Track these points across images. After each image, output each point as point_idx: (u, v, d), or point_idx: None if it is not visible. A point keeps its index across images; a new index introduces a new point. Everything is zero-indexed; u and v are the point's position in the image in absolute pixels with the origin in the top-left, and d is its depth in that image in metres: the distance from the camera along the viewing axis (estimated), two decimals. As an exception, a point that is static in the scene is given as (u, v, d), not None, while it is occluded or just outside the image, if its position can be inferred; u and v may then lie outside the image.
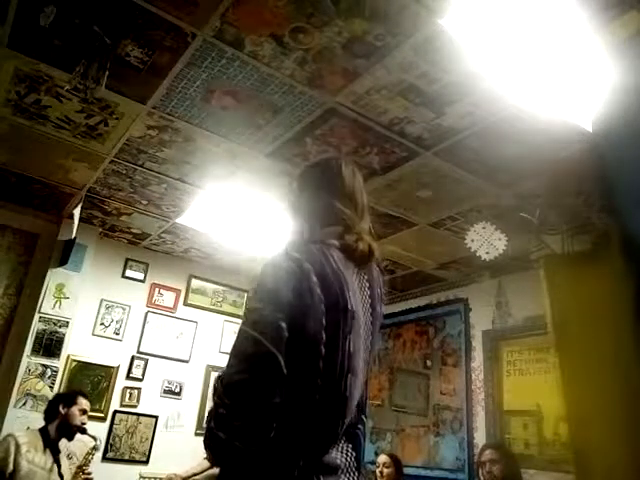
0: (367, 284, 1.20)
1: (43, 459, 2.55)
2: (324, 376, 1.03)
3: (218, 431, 0.97)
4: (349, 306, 1.08)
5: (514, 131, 2.30)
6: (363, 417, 1.24)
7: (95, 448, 2.78)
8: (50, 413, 2.70)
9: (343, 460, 1.09)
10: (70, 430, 2.67)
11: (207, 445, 1.00)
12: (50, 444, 2.62)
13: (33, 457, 2.52)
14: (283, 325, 0.99)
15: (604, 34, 1.69)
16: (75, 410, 2.69)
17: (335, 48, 1.95)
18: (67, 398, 2.76)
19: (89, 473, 2.69)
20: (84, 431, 2.71)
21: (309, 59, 2.02)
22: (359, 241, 1.18)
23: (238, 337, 1.03)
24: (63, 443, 2.69)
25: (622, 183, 1.47)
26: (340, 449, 1.10)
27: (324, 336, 1.03)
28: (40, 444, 2.59)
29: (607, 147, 1.54)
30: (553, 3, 1.69)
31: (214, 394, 1.02)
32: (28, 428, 2.96)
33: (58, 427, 2.66)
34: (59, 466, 2.61)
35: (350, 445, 1.13)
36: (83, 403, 2.74)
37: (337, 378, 1.05)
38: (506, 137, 2.36)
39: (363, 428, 1.22)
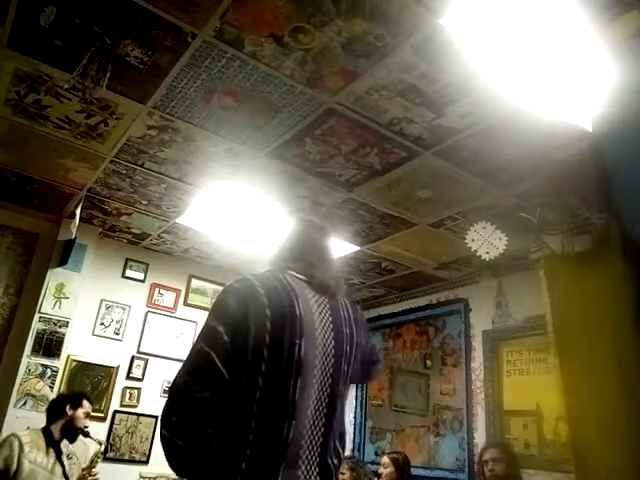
0: (327, 304, 1.26)
1: (45, 459, 2.55)
2: (267, 377, 1.09)
3: (162, 429, 1.06)
4: (297, 312, 1.15)
5: (514, 131, 2.30)
6: (339, 449, 1.20)
7: (102, 452, 2.81)
8: (54, 413, 2.69)
9: None
10: (74, 432, 2.67)
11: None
12: (53, 444, 2.61)
13: (35, 457, 2.51)
14: (220, 329, 1.11)
15: (604, 34, 1.69)
16: (80, 412, 2.69)
17: (335, 48, 1.95)
18: (73, 399, 2.75)
19: (95, 474, 2.71)
20: (87, 434, 2.72)
21: (309, 59, 2.02)
22: (323, 273, 1.31)
23: (191, 348, 1.15)
24: (64, 444, 2.69)
25: (622, 183, 1.47)
26: (306, 473, 1.08)
27: (267, 340, 1.10)
28: (42, 444, 2.58)
29: (607, 147, 1.54)
30: (553, 3, 1.69)
31: None
32: (28, 428, 2.96)
33: (62, 428, 2.65)
34: (63, 466, 2.61)
35: (320, 476, 1.11)
36: (87, 406, 2.75)
37: (282, 380, 1.10)
38: (506, 137, 2.36)
39: (338, 464, 1.18)
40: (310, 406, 1.12)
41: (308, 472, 1.09)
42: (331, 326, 1.22)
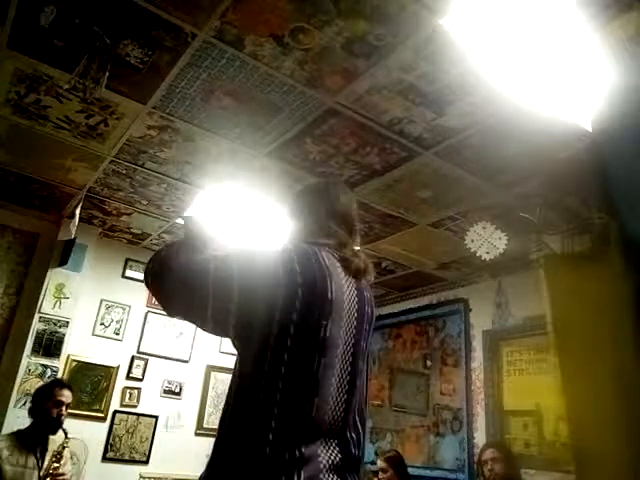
0: (355, 284, 1.27)
1: (28, 459, 2.50)
2: (292, 353, 1.10)
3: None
4: (329, 295, 1.16)
5: (514, 131, 2.30)
6: (359, 425, 1.22)
7: (64, 445, 2.61)
8: (31, 410, 2.66)
9: (327, 458, 1.10)
10: (48, 424, 2.59)
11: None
12: (33, 442, 2.57)
13: (17, 459, 2.47)
14: (235, 293, 1.12)
15: (604, 34, 1.69)
16: (51, 403, 2.61)
17: (335, 48, 1.95)
18: (43, 392, 2.69)
19: (62, 474, 2.55)
20: (59, 424, 2.60)
21: (309, 59, 2.02)
22: (355, 257, 1.29)
23: (203, 259, 1.20)
24: (56, 440, 2.64)
25: (622, 183, 1.47)
26: (326, 446, 1.12)
27: (295, 317, 1.10)
28: (22, 444, 2.54)
29: (607, 147, 1.54)
30: (553, 3, 1.69)
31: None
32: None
33: (38, 423, 2.60)
34: (42, 463, 2.54)
35: (339, 447, 1.14)
36: (60, 394, 2.64)
37: (307, 358, 1.11)
38: (506, 137, 2.36)
39: (357, 437, 1.20)
40: (333, 384, 1.14)
41: (328, 445, 1.12)
42: (356, 306, 1.24)
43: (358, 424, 1.22)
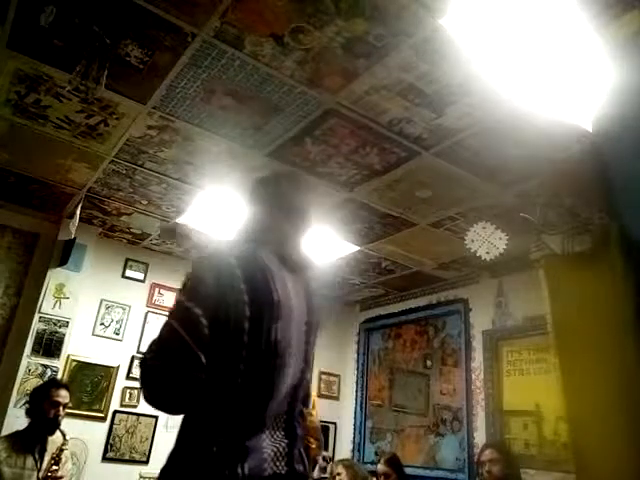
0: (299, 280, 1.28)
1: (27, 460, 2.50)
2: (248, 361, 1.10)
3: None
4: (275, 297, 1.15)
5: (514, 131, 2.30)
6: (302, 409, 1.28)
7: (62, 448, 2.61)
8: (28, 410, 2.66)
9: (272, 447, 1.12)
10: (45, 425, 2.58)
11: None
12: (31, 443, 2.56)
13: (15, 461, 2.47)
14: (203, 321, 1.07)
15: (605, 34, 1.69)
16: (47, 403, 2.60)
17: (335, 48, 1.95)
18: (40, 392, 2.68)
19: (60, 477, 2.55)
20: (57, 424, 2.59)
21: (309, 59, 2.02)
22: (294, 252, 1.30)
23: (162, 326, 1.11)
24: (55, 441, 2.63)
25: (622, 183, 1.47)
26: (272, 436, 1.14)
27: (247, 325, 1.10)
28: (19, 446, 2.54)
29: (607, 147, 1.54)
30: (553, 3, 1.69)
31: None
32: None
33: (36, 423, 2.60)
34: (41, 464, 2.54)
35: (284, 434, 1.17)
36: (56, 394, 2.63)
37: (262, 363, 1.12)
38: (506, 137, 2.36)
39: (302, 421, 1.26)
40: (287, 382, 1.17)
41: (274, 436, 1.14)
42: (305, 303, 1.26)
43: (302, 410, 1.27)
